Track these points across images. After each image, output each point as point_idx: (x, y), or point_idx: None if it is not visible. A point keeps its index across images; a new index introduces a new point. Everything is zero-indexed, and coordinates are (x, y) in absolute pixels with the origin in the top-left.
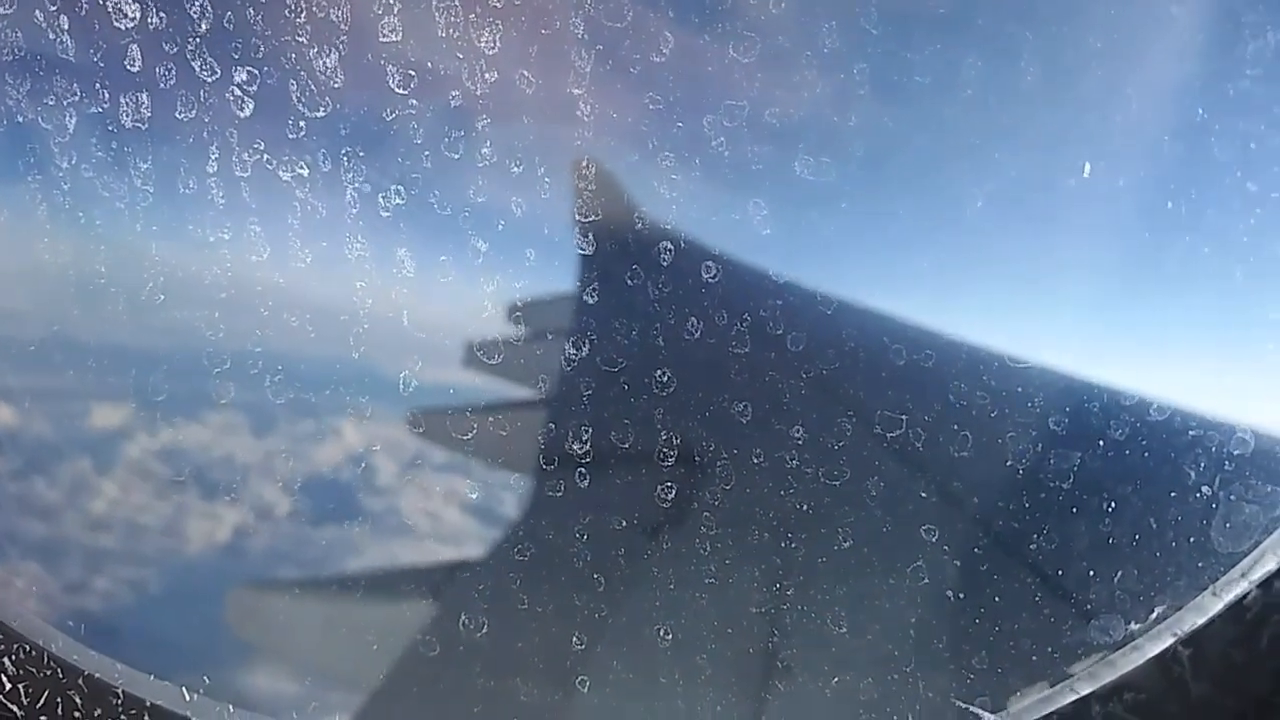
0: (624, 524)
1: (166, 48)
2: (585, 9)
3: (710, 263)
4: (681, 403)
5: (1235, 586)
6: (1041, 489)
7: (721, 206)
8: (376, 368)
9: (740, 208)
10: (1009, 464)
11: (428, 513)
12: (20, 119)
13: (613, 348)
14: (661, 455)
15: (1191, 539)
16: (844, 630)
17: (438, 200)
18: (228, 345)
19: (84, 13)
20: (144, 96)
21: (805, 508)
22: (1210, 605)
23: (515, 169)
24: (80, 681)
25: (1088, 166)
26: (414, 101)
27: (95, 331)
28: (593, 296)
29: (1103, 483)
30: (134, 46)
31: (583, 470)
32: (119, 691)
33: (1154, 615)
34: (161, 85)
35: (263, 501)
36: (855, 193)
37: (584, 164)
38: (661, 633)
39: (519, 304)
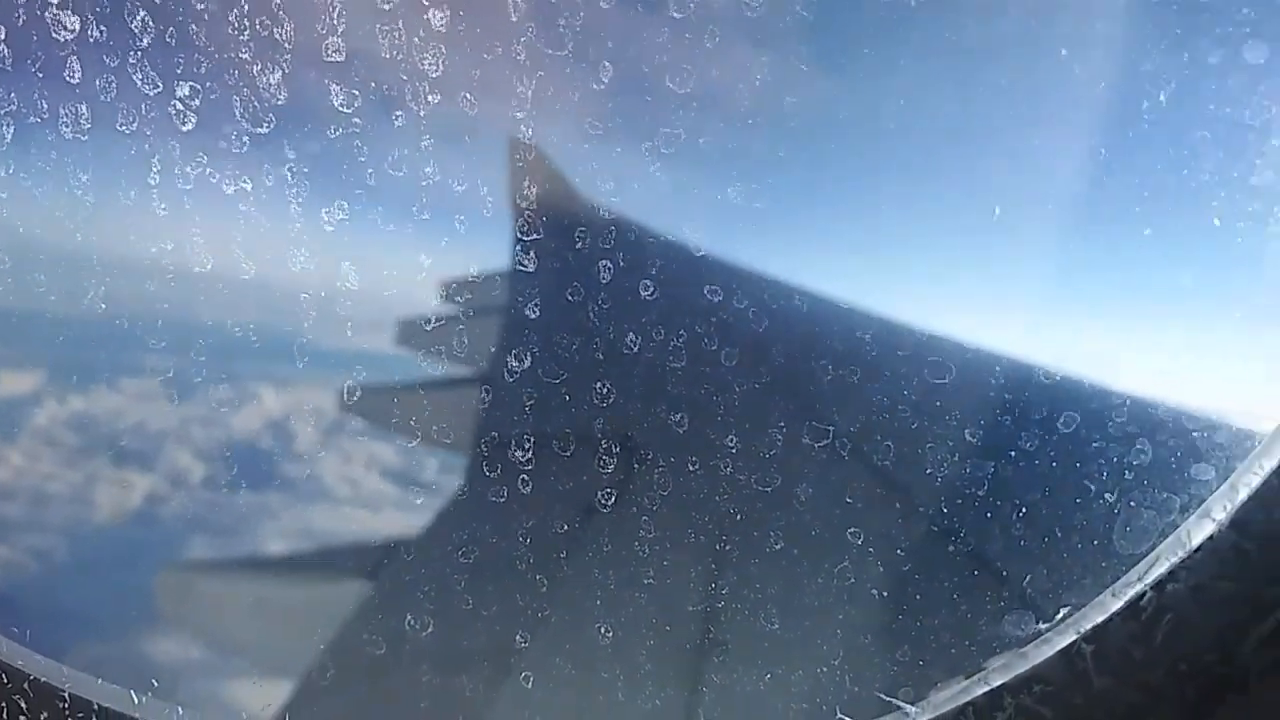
0: (566, 527)
1: (107, 60)
2: (527, 36)
3: (648, 281)
4: (621, 410)
5: (1132, 588)
6: (959, 495)
7: (658, 231)
8: (319, 376)
9: (676, 232)
10: (929, 472)
11: (347, 479)
12: None
13: (555, 359)
14: (601, 460)
15: (1095, 542)
16: (776, 626)
17: (381, 216)
18: (169, 355)
19: (21, 23)
20: (83, 108)
21: (738, 513)
22: (1110, 604)
23: (458, 188)
24: (25, 685)
25: (997, 209)
26: (357, 120)
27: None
28: (534, 310)
29: (1015, 490)
30: (74, 59)
31: (524, 477)
32: (65, 694)
33: (1061, 614)
34: (102, 98)
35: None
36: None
37: (526, 150)
38: (602, 630)
39: (454, 282)
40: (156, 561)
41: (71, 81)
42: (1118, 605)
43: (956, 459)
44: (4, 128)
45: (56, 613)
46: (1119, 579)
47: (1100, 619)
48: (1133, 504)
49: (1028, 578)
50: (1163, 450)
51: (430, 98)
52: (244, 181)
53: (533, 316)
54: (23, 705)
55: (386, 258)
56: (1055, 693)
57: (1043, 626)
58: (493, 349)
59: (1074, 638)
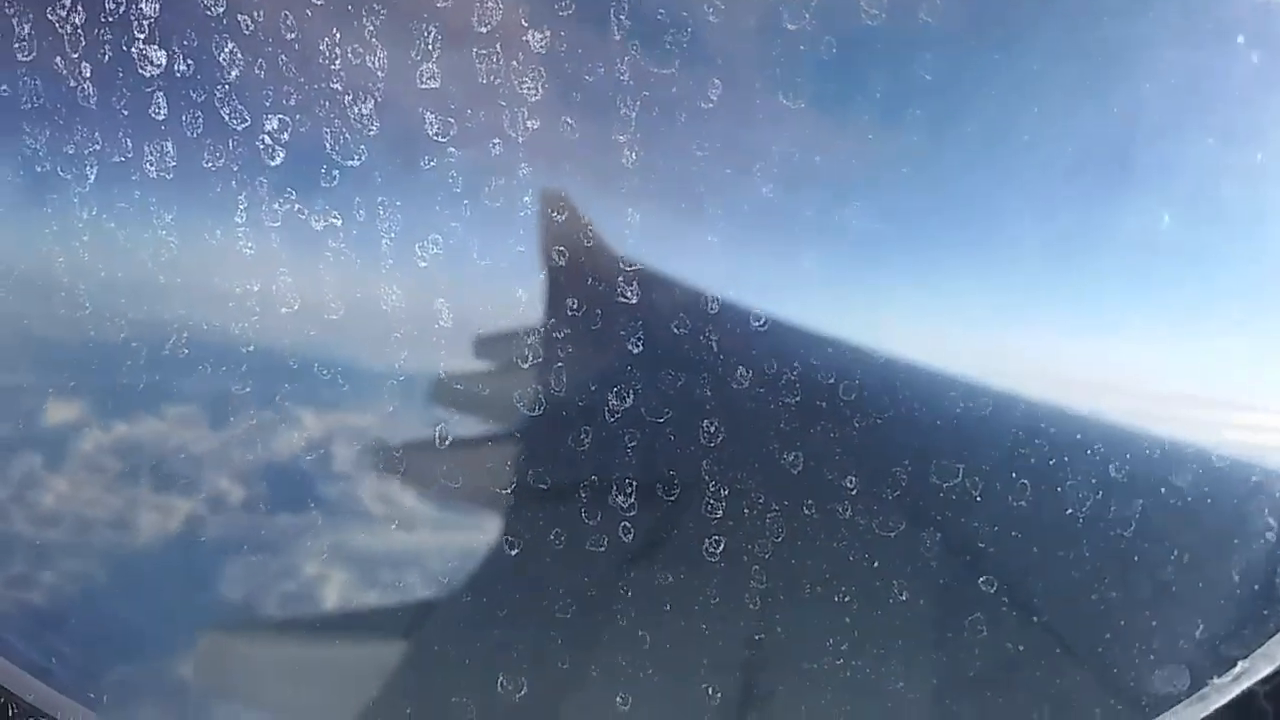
0: (670, 578)
1: (194, 95)
2: (631, 55)
3: (754, 314)
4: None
5: None
6: (1103, 538)
7: (768, 255)
8: (413, 419)
9: (792, 257)
10: (1069, 512)
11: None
12: (39, 169)
13: (659, 396)
14: (709, 505)
15: (1256, 586)
16: (900, 686)
17: (478, 250)
18: (253, 398)
19: (107, 60)
20: (169, 145)
21: (857, 557)
22: None
23: (558, 217)
24: None
25: (1167, 217)
26: (453, 150)
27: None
28: (637, 344)
29: (1166, 531)
30: (159, 94)
31: (626, 524)
32: None
33: (1236, 669)
34: (188, 134)
35: None
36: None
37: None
38: (710, 691)
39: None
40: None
41: (157, 118)
42: None
43: (1099, 496)
44: (87, 168)
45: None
46: None
47: (1276, 668)
48: None
49: (1185, 627)
50: None
51: (530, 123)
52: (334, 217)
53: (636, 351)
54: None
55: (482, 293)
56: None
57: (1214, 682)
58: (582, 388)
59: (1247, 687)
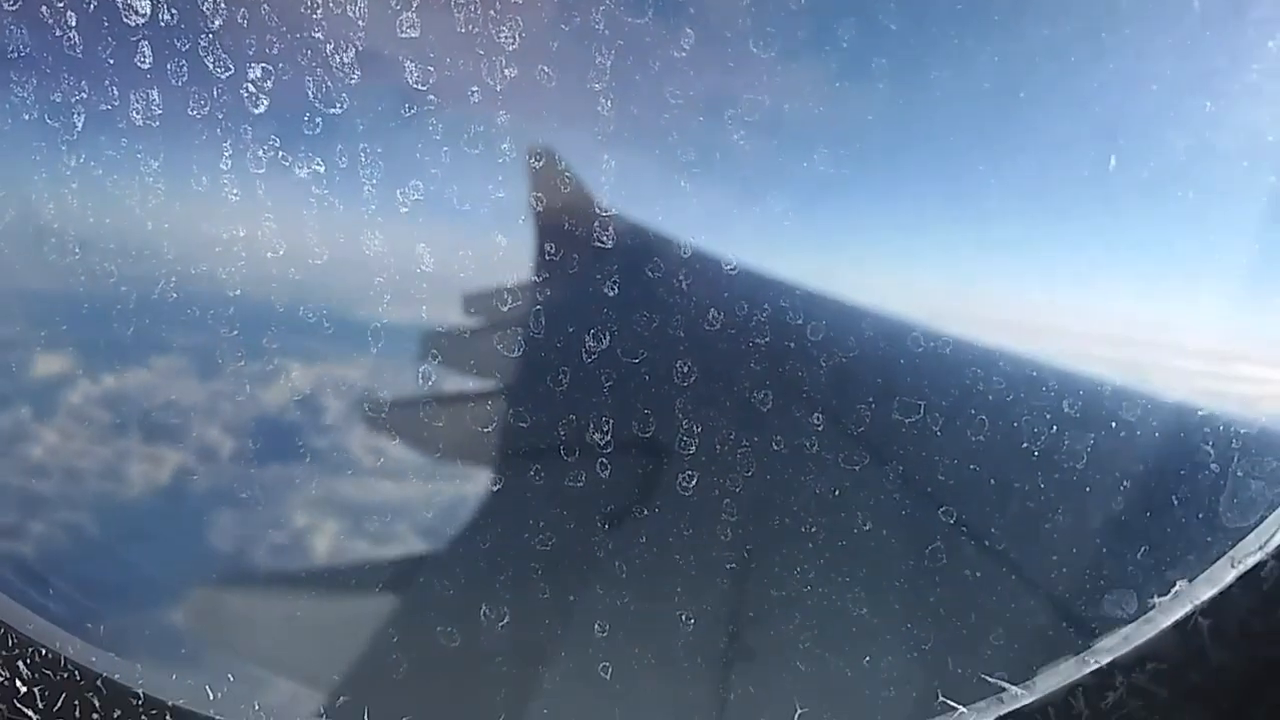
0: (646, 511)
1: (179, 44)
2: (606, 4)
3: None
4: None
5: (1252, 557)
6: (1056, 470)
7: (742, 194)
8: (395, 363)
9: (761, 201)
10: (1024, 446)
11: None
12: (26, 117)
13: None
14: (682, 442)
15: (1200, 515)
16: (864, 611)
17: (457, 195)
18: (240, 343)
19: (92, 9)
20: (155, 94)
21: (827, 492)
22: (1227, 575)
23: (536, 164)
24: (99, 683)
25: (1113, 160)
26: (432, 97)
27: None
28: (612, 288)
29: (1115, 464)
30: (144, 43)
31: (603, 461)
32: (139, 693)
33: (1175, 588)
34: (173, 82)
35: None
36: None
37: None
38: (684, 618)
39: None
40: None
41: (142, 67)
42: (1235, 576)
43: (1053, 431)
44: (75, 116)
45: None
46: (1228, 551)
47: (1217, 591)
48: (1240, 474)
49: (1132, 554)
50: (1272, 418)
51: (507, 71)
52: (317, 164)
53: (611, 294)
54: (96, 703)
55: (462, 238)
56: (1170, 670)
57: (1155, 601)
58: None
59: (1189, 610)
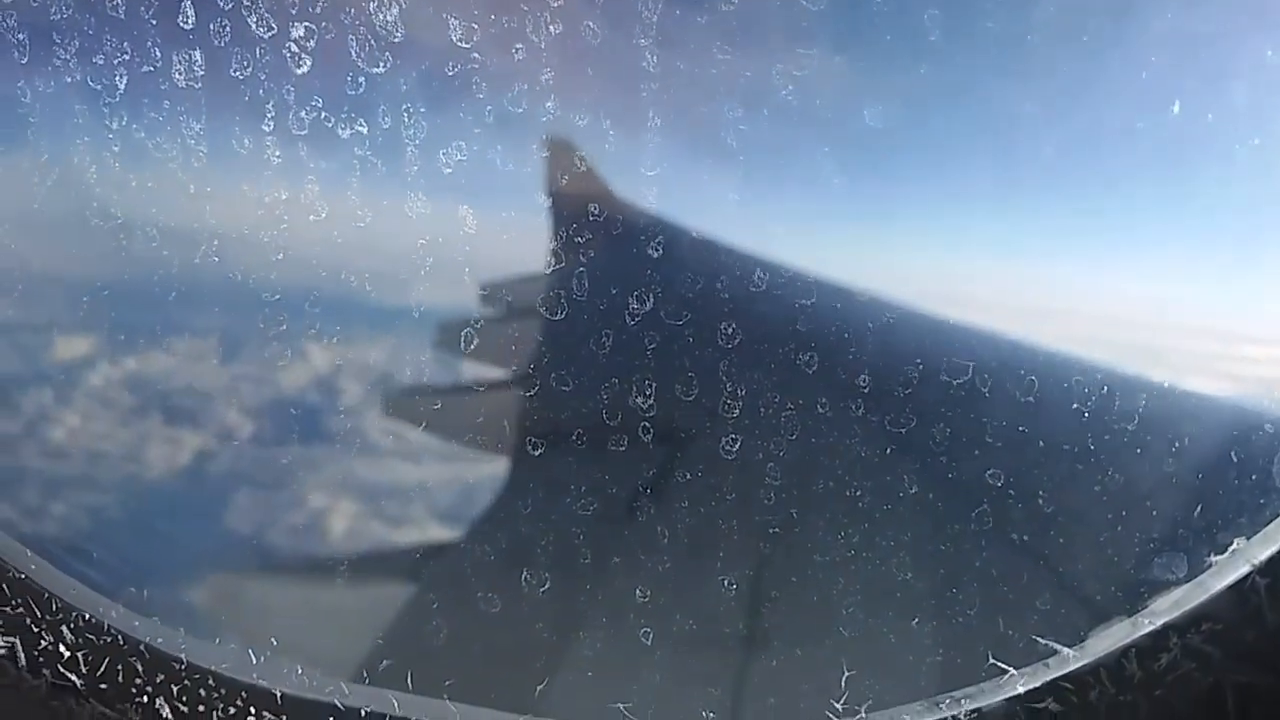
0: (688, 475)
1: (221, 4)
2: None
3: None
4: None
5: None
6: (1106, 431)
7: (788, 151)
8: (440, 322)
9: (809, 154)
10: (1074, 407)
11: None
12: (69, 79)
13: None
14: (726, 404)
15: (1254, 476)
16: (910, 576)
17: (500, 156)
18: (284, 305)
19: None
20: (197, 54)
21: (870, 456)
22: None
23: (580, 122)
24: (141, 648)
25: (1178, 104)
26: (476, 55)
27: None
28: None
29: (1169, 425)
30: (187, 3)
31: (646, 424)
32: (182, 658)
33: (1232, 546)
34: (215, 42)
35: None
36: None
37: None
38: (726, 583)
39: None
40: None
41: (185, 27)
42: None
43: (1105, 391)
44: (117, 78)
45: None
46: None
47: (1276, 550)
48: None
49: (1185, 515)
50: None
51: (552, 28)
52: (360, 124)
53: (655, 255)
54: (139, 667)
55: (506, 199)
56: (1225, 631)
57: (1211, 560)
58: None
59: (1247, 571)
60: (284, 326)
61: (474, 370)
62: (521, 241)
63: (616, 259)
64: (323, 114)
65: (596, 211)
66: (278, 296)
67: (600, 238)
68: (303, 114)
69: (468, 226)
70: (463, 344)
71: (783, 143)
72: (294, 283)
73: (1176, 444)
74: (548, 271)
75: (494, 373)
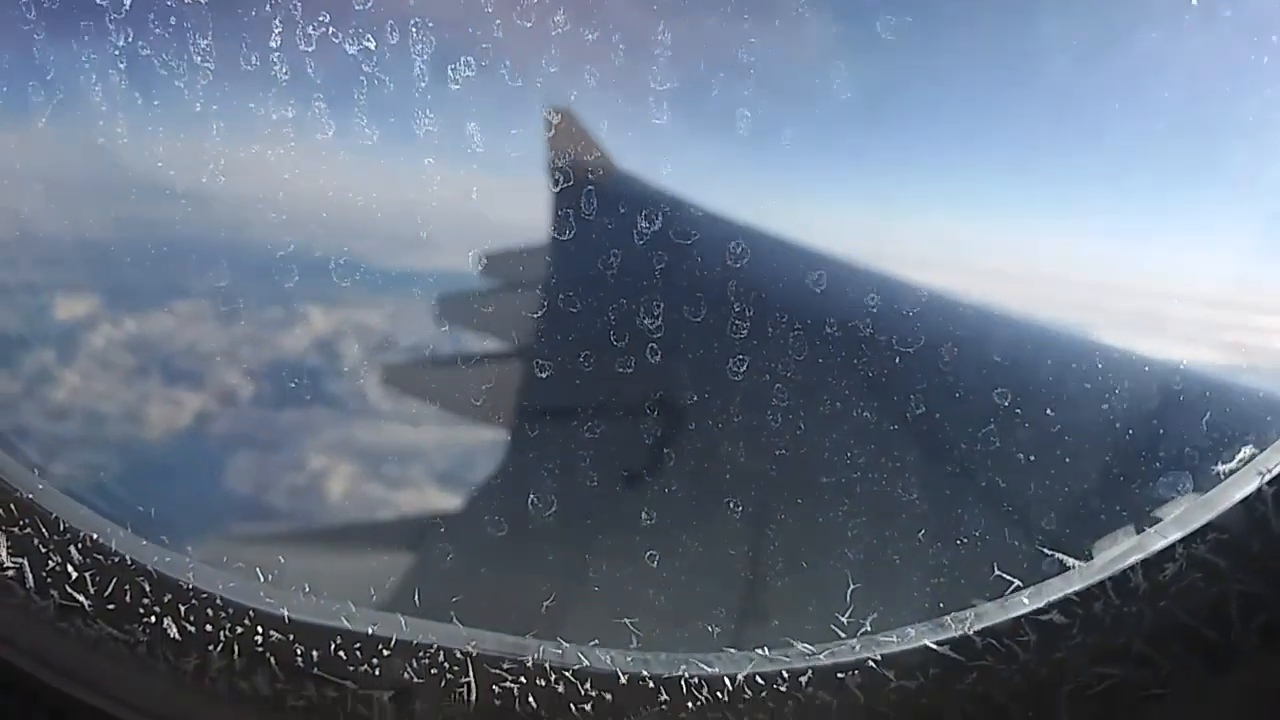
0: (695, 397)
1: None
2: None
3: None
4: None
5: None
6: (1114, 349)
7: (801, 73)
8: (448, 253)
9: (822, 75)
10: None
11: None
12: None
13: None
14: (734, 325)
15: (1260, 394)
16: (914, 496)
17: (509, 71)
18: (289, 229)
19: None
20: None
21: (878, 376)
22: None
23: (589, 36)
24: (149, 568)
25: None
26: None
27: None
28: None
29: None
30: None
31: (653, 346)
32: (189, 578)
33: (1240, 454)
34: None
35: None
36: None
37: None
38: (731, 505)
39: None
40: None
41: None
42: None
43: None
44: None
45: None
46: None
47: None
48: None
49: (1191, 437)
50: None
51: None
52: (367, 40)
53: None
54: (146, 588)
55: (513, 116)
56: (1230, 541)
57: (1220, 469)
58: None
59: (1256, 481)
60: (291, 249)
61: (482, 291)
62: (530, 158)
63: (626, 176)
64: (330, 30)
65: (607, 130)
66: (284, 217)
67: (609, 158)
68: (309, 30)
69: (475, 144)
70: (472, 264)
71: (792, 62)
72: (302, 207)
73: (1184, 363)
74: (555, 190)
75: (501, 293)
